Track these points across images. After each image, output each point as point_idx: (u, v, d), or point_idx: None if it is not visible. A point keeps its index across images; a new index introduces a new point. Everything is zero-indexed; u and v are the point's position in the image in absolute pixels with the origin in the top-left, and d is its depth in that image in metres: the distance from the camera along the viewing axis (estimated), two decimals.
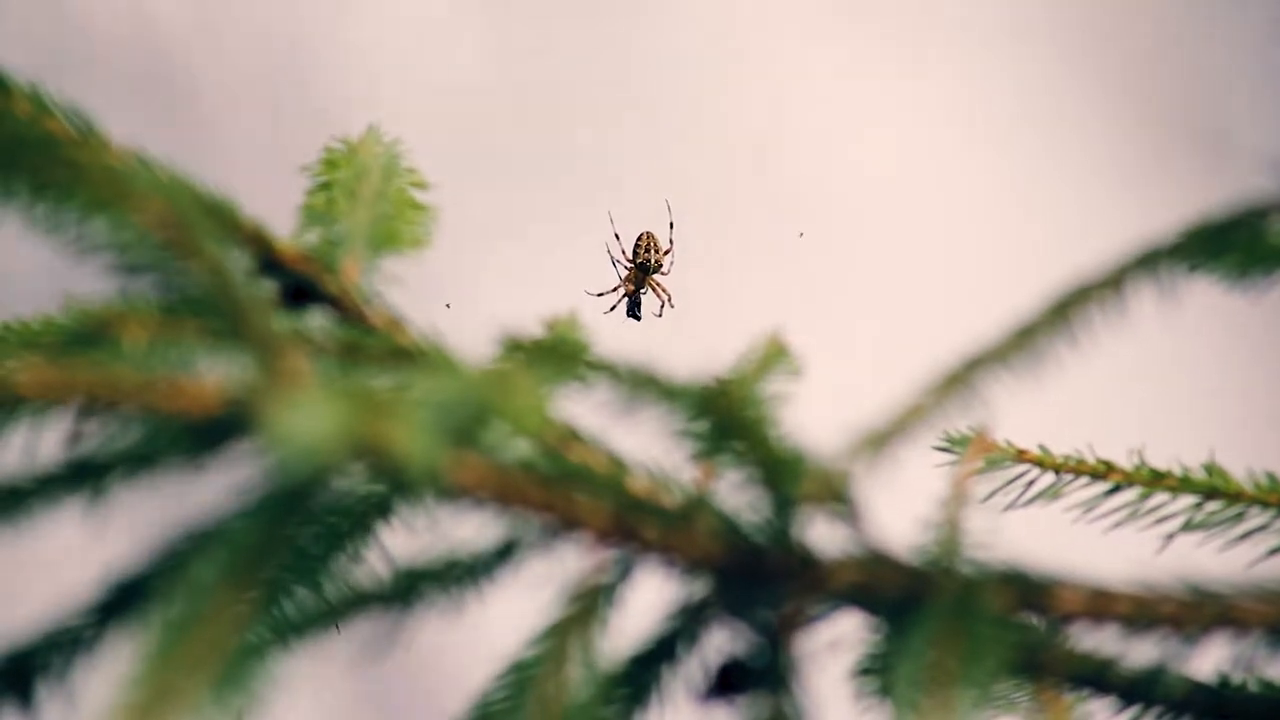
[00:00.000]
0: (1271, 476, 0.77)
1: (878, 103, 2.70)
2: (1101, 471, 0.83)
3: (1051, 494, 0.84)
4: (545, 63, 2.69)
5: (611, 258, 2.86)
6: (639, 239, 2.86)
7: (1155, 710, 0.54)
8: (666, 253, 2.86)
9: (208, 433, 0.45)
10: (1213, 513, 0.78)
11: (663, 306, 2.87)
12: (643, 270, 2.85)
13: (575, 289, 2.82)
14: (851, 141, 2.71)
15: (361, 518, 0.48)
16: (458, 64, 2.69)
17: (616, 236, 2.85)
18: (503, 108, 2.68)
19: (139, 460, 0.45)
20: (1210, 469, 0.79)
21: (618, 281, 2.87)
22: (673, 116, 2.73)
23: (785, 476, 0.50)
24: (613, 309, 2.88)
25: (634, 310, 2.86)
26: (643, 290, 2.87)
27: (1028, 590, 0.50)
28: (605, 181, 2.75)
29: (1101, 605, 0.50)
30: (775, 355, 0.63)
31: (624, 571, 0.50)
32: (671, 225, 2.85)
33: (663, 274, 2.86)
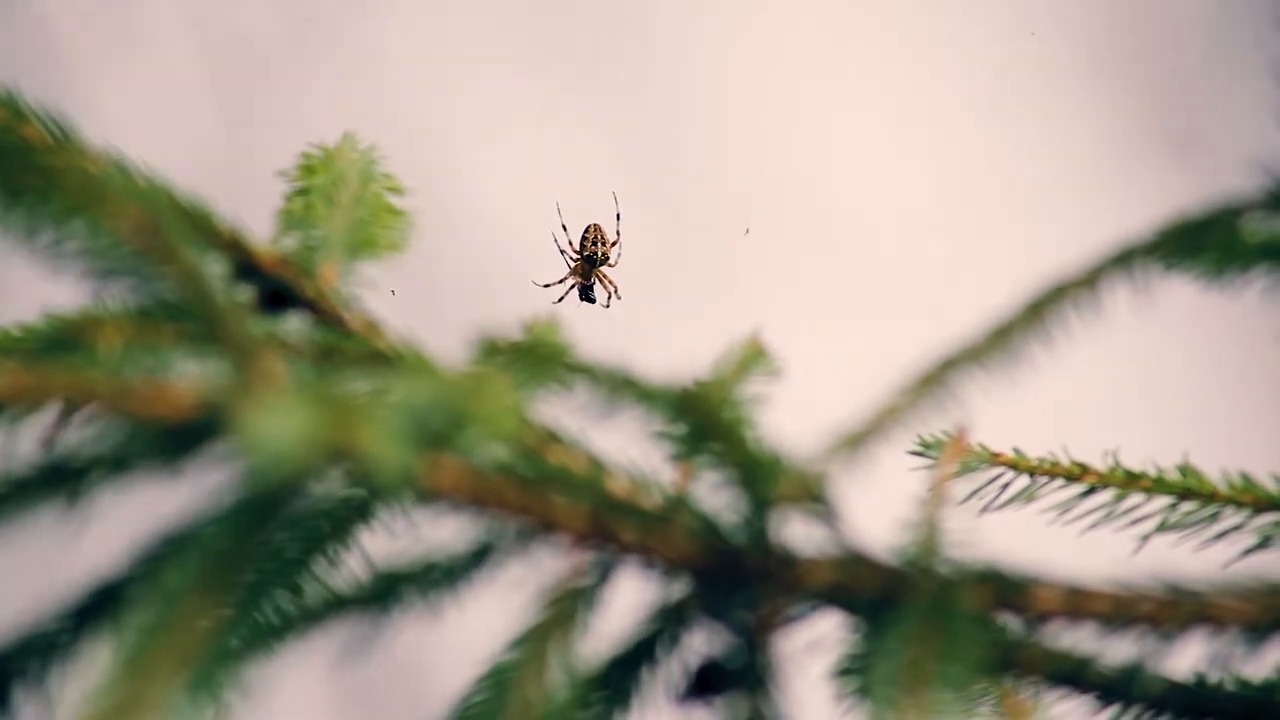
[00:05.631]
0: (1245, 477, 0.78)
1: (846, 96, 2.71)
2: (1076, 473, 0.83)
3: (1027, 496, 0.85)
4: (502, 52, 2.70)
5: (559, 249, 2.86)
6: (586, 231, 2.86)
7: (1133, 709, 0.54)
8: (613, 245, 2.86)
9: (183, 437, 0.45)
10: (1188, 513, 0.78)
11: (610, 298, 2.87)
12: (589, 262, 2.85)
13: (523, 280, 2.82)
14: (821, 135, 2.71)
15: (339, 521, 0.48)
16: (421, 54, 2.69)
17: (564, 228, 2.85)
18: (463, 99, 2.68)
19: (115, 464, 0.45)
20: (1185, 470, 0.79)
21: (565, 273, 2.87)
22: (630, 106, 2.73)
23: (763, 477, 0.50)
24: (561, 300, 2.88)
25: (586, 294, 2.86)
26: (590, 282, 2.87)
27: (1005, 589, 0.51)
28: (555, 170, 2.76)
29: (1079, 604, 0.50)
30: (753, 357, 0.63)
31: (603, 573, 0.50)
32: (619, 217, 2.85)
33: (610, 266, 2.86)
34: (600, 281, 2.87)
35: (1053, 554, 0.54)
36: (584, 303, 2.87)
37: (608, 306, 2.86)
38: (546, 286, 2.87)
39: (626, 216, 2.84)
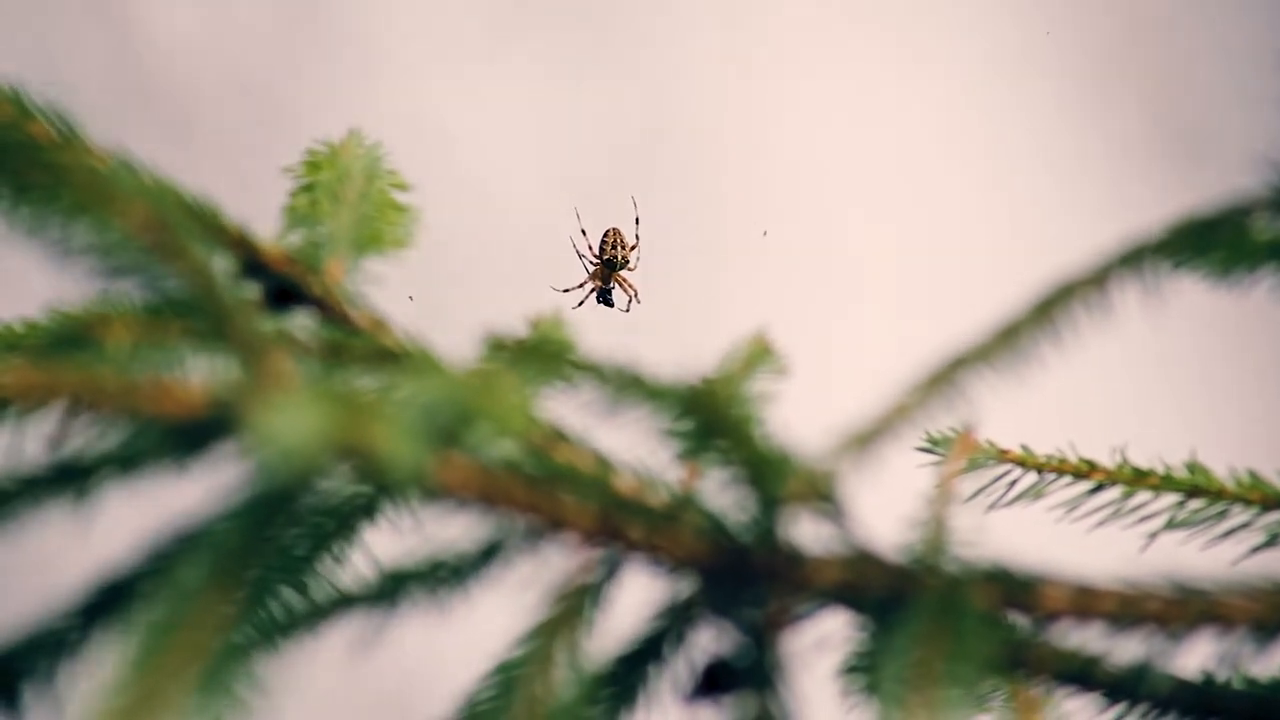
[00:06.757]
0: (1253, 474, 0.78)
1: (853, 99, 2.71)
2: (1084, 471, 0.83)
3: (1034, 493, 0.84)
4: (506, 55, 2.70)
5: (578, 253, 2.86)
6: (605, 235, 2.86)
7: (1140, 708, 0.54)
8: (632, 249, 2.86)
9: (192, 434, 0.45)
10: (1195, 511, 0.78)
11: (630, 302, 2.87)
12: (609, 266, 2.85)
13: (542, 286, 2.82)
14: (832, 137, 2.71)
15: (347, 518, 0.48)
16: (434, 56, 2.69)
17: (583, 232, 2.85)
18: (469, 99, 2.68)
19: (123, 462, 0.45)
20: (1192, 467, 0.79)
21: (584, 277, 2.87)
22: (651, 109, 2.73)
23: (771, 475, 0.50)
24: (580, 304, 2.88)
25: (605, 297, 2.86)
26: (609, 286, 2.87)
27: (1013, 588, 0.50)
28: (573, 174, 2.76)
29: (1086, 602, 0.50)
30: (760, 354, 0.63)
31: (610, 571, 0.50)
32: (637, 221, 2.85)
33: (629, 270, 2.86)
34: (620, 285, 2.87)
35: (1060, 552, 0.54)
36: (603, 304, 2.87)
37: (627, 311, 2.86)
38: (566, 291, 2.87)
39: (645, 220, 2.84)
